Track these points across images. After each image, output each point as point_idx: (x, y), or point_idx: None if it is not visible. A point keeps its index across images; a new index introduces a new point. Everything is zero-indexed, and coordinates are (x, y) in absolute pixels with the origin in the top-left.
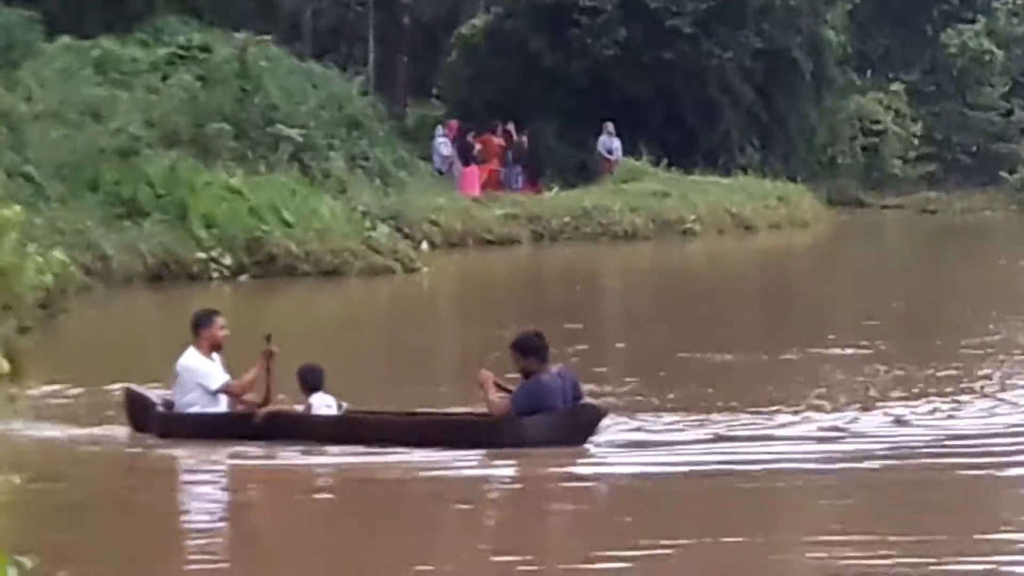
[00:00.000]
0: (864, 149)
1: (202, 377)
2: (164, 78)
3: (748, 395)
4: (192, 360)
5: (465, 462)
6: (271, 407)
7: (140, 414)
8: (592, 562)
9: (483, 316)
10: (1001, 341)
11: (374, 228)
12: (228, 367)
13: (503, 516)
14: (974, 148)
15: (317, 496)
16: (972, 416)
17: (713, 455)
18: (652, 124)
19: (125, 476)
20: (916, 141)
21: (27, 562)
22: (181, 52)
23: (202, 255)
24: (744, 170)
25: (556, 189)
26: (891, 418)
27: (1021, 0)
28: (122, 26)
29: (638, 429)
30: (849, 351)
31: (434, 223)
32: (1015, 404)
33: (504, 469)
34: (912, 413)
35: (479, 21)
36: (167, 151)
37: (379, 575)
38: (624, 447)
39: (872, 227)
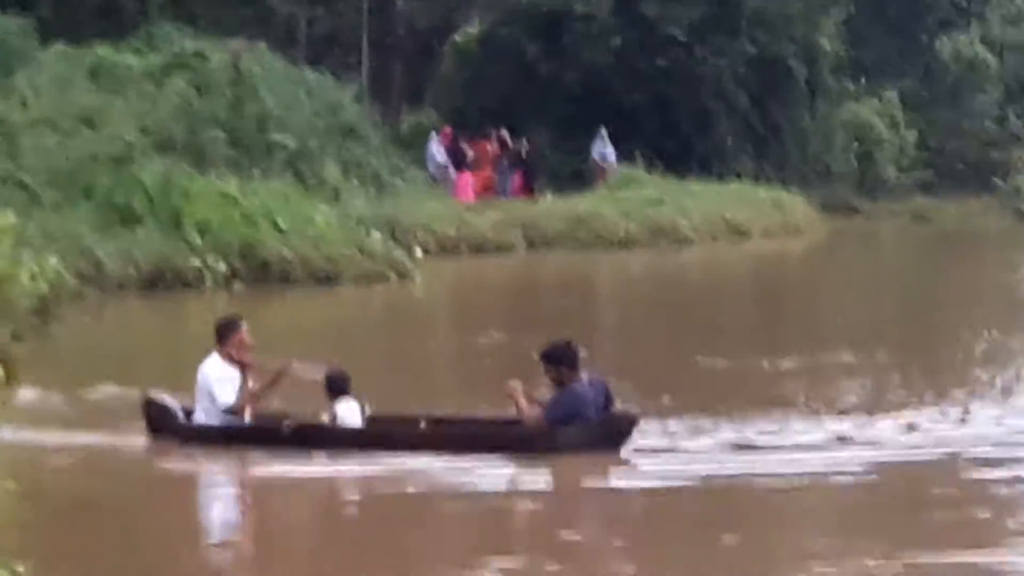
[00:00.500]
0: (858, 156)
1: (216, 388)
2: (158, 85)
3: (755, 402)
4: (213, 368)
5: (498, 469)
6: (298, 420)
7: (159, 421)
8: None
9: (479, 323)
10: (1000, 348)
11: (368, 235)
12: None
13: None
14: (968, 155)
15: (341, 506)
16: (983, 423)
17: (731, 464)
18: (647, 131)
19: (131, 483)
20: (910, 148)
21: (19, 568)
22: (175, 59)
23: (196, 262)
24: (738, 177)
25: (550, 196)
26: (903, 424)
27: (1015, 7)
28: (117, 33)
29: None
30: (849, 358)
31: (428, 230)
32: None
33: (537, 476)
34: (924, 420)
35: (474, 29)
36: (161, 158)
37: None
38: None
39: (866, 234)
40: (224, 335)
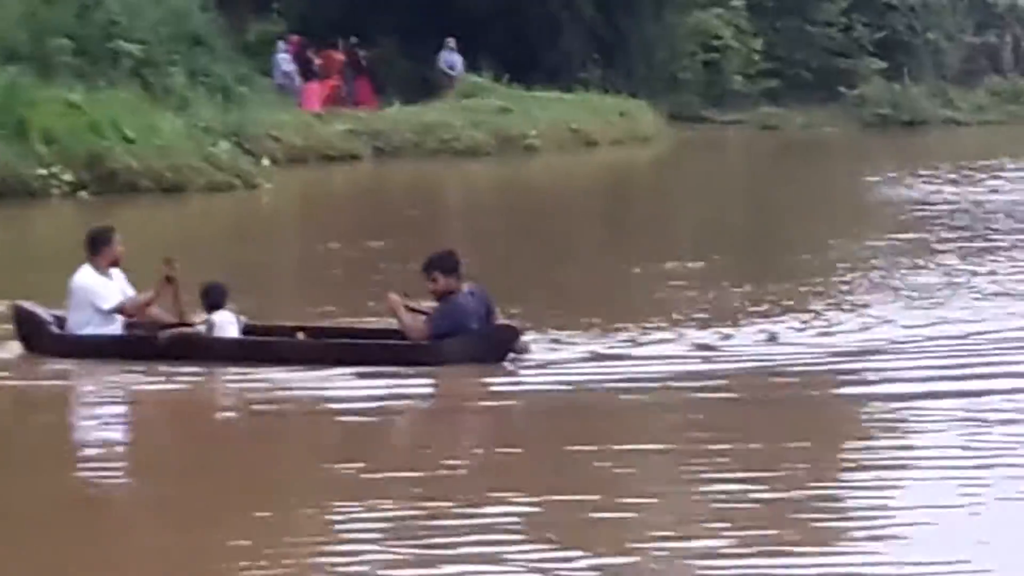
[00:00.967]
0: (705, 65)
1: (96, 296)
2: None
3: (612, 312)
4: (87, 278)
5: (379, 382)
6: (180, 329)
7: (32, 332)
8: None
9: (329, 232)
10: (852, 256)
11: (215, 144)
12: (133, 283)
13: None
14: (814, 64)
15: (218, 418)
16: (848, 332)
17: (597, 374)
18: (493, 40)
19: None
20: (757, 57)
21: None
22: None
23: (42, 171)
24: (585, 86)
25: (398, 105)
26: (765, 335)
27: None
28: None
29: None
30: (701, 265)
31: (275, 139)
32: (887, 320)
33: (419, 388)
34: (785, 329)
35: None
36: (5, 67)
37: (278, 500)
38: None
39: (713, 143)
40: (97, 246)
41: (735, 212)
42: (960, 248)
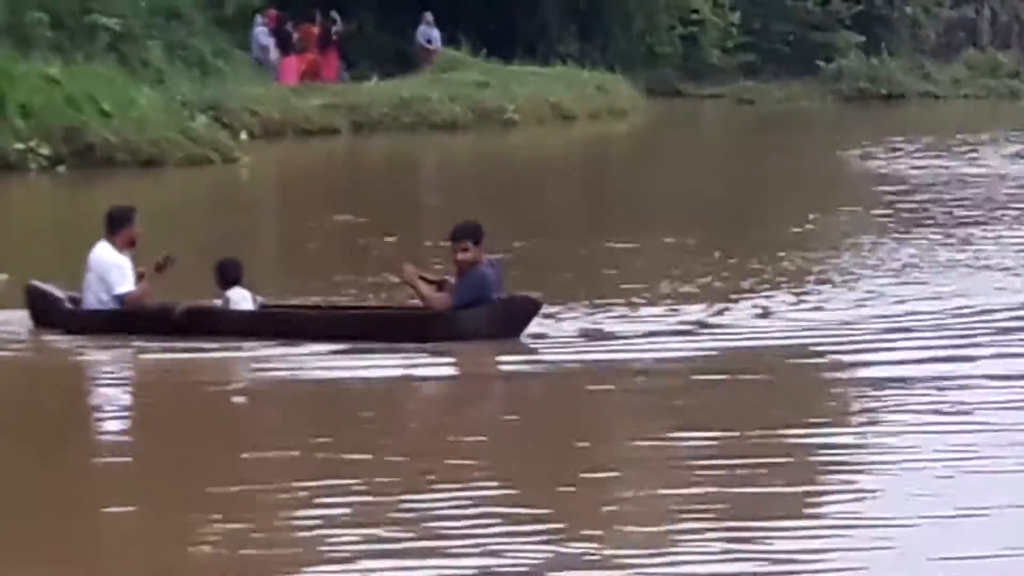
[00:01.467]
0: (682, 38)
1: (113, 275)
2: None
3: (601, 287)
4: (106, 253)
5: (395, 357)
6: (195, 302)
7: (45, 309)
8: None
9: (306, 205)
10: (835, 230)
11: (193, 118)
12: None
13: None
14: (791, 37)
15: (233, 392)
16: (842, 307)
17: (590, 353)
18: (471, 14)
19: (14, 373)
20: (734, 30)
21: None
22: None
23: (19, 145)
24: (563, 60)
25: (375, 79)
26: (755, 310)
27: None
28: None
29: None
30: (689, 241)
31: (253, 113)
32: (879, 294)
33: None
34: (779, 304)
35: None
36: None
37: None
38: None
39: (690, 116)
40: (117, 225)
41: (714, 186)
42: (941, 222)
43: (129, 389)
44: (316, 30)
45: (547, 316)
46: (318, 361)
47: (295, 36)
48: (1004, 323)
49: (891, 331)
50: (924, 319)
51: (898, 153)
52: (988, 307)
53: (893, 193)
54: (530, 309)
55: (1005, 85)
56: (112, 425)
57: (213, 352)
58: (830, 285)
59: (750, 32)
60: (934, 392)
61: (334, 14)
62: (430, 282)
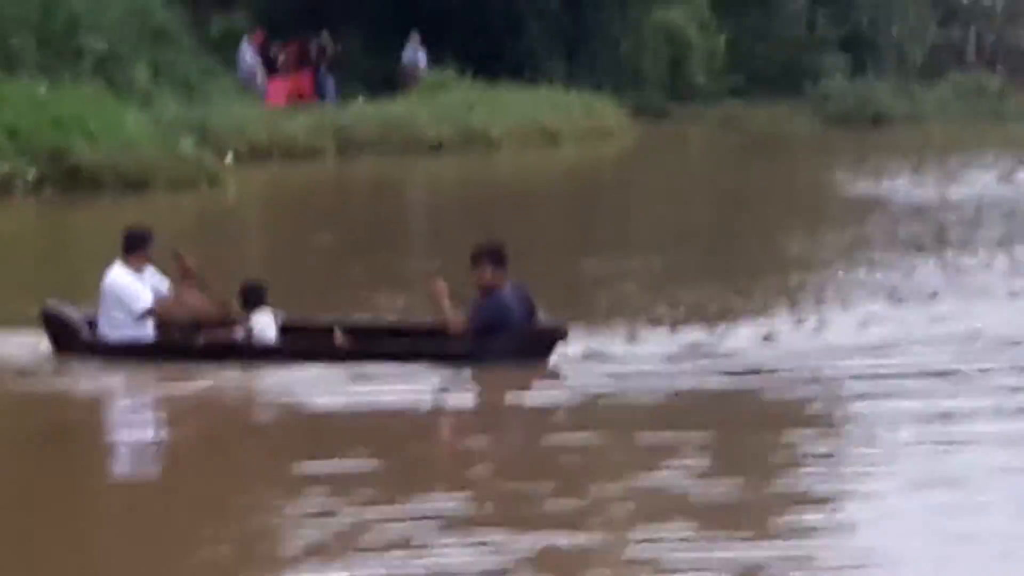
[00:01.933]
0: (669, 61)
1: (129, 298)
2: None
3: (595, 309)
4: (120, 277)
5: (422, 383)
6: (215, 332)
7: (63, 335)
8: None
9: (294, 228)
10: (828, 252)
11: (179, 140)
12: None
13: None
14: (778, 60)
15: (255, 425)
16: (839, 333)
17: (590, 377)
18: (458, 35)
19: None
20: (721, 52)
21: None
22: None
23: (5, 167)
24: (550, 81)
25: (362, 100)
26: (760, 335)
27: None
28: None
29: None
30: (682, 263)
31: (239, 135)
32: (885, 317)
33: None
34: (780, 329)
35: None
36: None
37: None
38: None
39: (677, 138)
40: (135, 246)
41: (701, 209)
42: (932, 244)
43: (148, 413)
44: (304, 51)
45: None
46: (338, 385)
47: (281, 58)
48: (992, 348)
49: (884, 353)
50: (915, 343)
51: (882, 175)
52: (976, 331)
53: (877, 216)
54: (558, 336)
55: (990, 107)
56: (127, 450)
57: (236, 379)
58: (823, 308)
59: (737, 54)
60: (921, 410)
61: (324, 35)
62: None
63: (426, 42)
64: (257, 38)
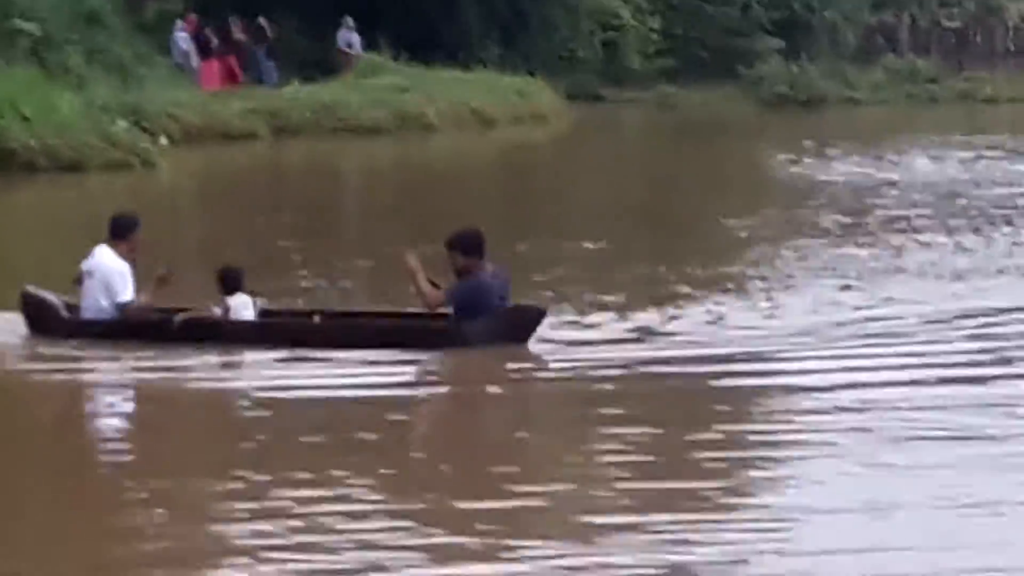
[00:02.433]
0: (603, 44)
1: (117, 283)
2: None
3: (537, 293)
4: (109, 259)
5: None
6: (194, 312)
7: (41, 316)
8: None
9: (227, 210)
10: (763, 235)
11: (113, 123)
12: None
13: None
14: (712, 43)
15: (232, 408)
16: (793, 315)
17: (545, 359)
18: (391, 18)
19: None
20: (655, 36)
21: None
22: None
23: None
24: (484, 65)
25: (297, 84)
26: (711, 316)
27: None
28: None
29: None
30: (606, 245)
31: (173, 118)
32: (836, 303)
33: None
34: (731, 311)
35: None
36: None
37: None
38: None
39: (611, 122)
40: (122, 232)
41: (637, 192)
42: (868, 227)
43: (123, 398)
44: (237, 35)
45: None
46: (315, 370)
47: (215, 41)
48: (923, 327)
49: (834, 336)
50: (864, 324)
51: (818, 158)
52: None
53: (815, 198)
54: (536, 317)
55: (924, 90)
56: (104, 434)
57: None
58: (759, 290)
59: (671, 37)
60: (855, 394)
61: (262, 19)
62: (431, 282)
63: (360, 25)
64: (190, 22)
